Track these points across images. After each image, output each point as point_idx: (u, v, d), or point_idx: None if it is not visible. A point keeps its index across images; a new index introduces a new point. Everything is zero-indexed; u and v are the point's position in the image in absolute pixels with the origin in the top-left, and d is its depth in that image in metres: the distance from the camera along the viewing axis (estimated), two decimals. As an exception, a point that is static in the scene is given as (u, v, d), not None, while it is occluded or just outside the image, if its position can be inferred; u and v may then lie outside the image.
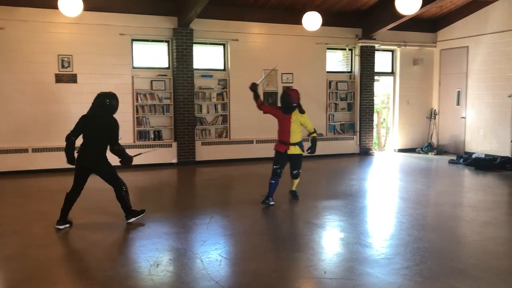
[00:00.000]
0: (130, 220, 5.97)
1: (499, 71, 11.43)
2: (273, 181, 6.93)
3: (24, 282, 4.19)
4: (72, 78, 9.95)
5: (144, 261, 4.64)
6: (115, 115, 5.93)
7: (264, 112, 7.23)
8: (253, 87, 7.12)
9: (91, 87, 10.05)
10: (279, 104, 7.92)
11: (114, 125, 5.82)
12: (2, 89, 9.48)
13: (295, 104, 6.90)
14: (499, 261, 4.70)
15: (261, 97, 7.89)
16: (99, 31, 10.08)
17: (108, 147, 5.83)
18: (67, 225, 5.78)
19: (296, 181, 7.25)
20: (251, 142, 11.48)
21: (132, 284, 4.12)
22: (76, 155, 5.81)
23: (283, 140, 6.94)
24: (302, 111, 6.92)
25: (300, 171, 7.13)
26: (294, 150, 6.92)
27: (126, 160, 5.99)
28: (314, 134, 7.00)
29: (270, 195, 6.93)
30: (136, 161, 10.51)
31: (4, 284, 4.20)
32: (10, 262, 4.71)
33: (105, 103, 5.81)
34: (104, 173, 5.88)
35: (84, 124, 5.79)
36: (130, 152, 6.16)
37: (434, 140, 13.27)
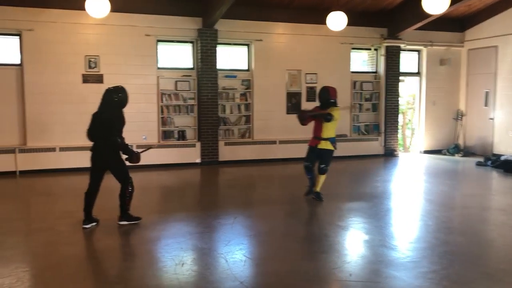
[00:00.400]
0: (122, 222, 5.90)
1: (530, 71, 11.15)
2: (310, 176, 7.31)
3: (50, 279, 4.26)
4: (99, 79, 10.11)
5: (169, 260, 4.68)
6: (118, 108, 5.85)
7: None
8: (303, 116, 7.25)
9: (117, 87, 10.21)
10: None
11: (110, 120, 5.71)
12: (32, 89, 9.69)
13: (333, 100, 7.10)
14: (530, 266, 4.58)
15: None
16: (125, 32, 10.22)
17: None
18: (93, 224, 5.85)
19: (322, 179, 7.20)
20: (274, 142, 11.46)
21: (158, 283, 4.16)
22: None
23: (316, 135, 7.19)
24: (336, 106, 7.14)
25: (327, 167, 7.16)
26: (324, 145, 7.11)
27: (132, 157, 5.89)
28: (327, 115, 6.88)
29: (312, 185, 7.31)
30: (160, 160, 10.66)
31: (31, 280, 4.29)
32: (37, 259, 4.81)
33: (113, 99, 5.77)
34: (113, 169, 5.85)
35: (92, 122, 5.82)
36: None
37: (461, 142, 13.02)
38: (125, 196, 5.88)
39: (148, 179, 9.49)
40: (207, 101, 10.76)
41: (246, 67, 11.47)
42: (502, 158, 10.77)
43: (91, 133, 5.79)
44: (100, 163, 5.82)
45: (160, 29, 10.46)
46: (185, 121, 10.96)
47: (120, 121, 5.82)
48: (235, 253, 4.86)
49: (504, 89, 11.87)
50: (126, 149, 5.86)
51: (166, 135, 10.77)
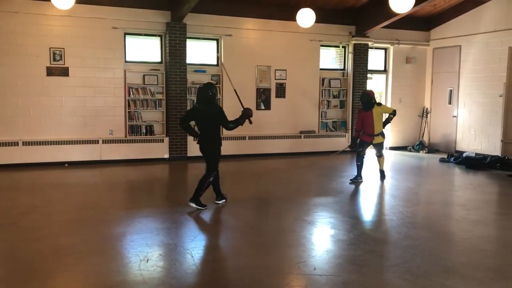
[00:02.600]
0: (191, 204, 6.44)
1: (491, 71, 11.49)
2: (359, 163, 8.56)
3: (7, 276, 4.15)
4: (64, 72, 9.87)
5: (134, 256, 4.63)
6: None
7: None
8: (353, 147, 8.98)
9: (83, 80, 10.02)
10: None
11: (219, 112, 6.50)
12: (-7, 81, 9.39)
13: (374, 101, 8.45)
14: (488, 259, 4.74)
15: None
16: (92, 24, 10.00)
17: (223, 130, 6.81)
18: (224, 200, 6.74)
19: (382, 160, 8.84)
20: (243, 138, 11.45)
21: (121, 279, 4.11)
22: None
23: (368, 132, 8.46)
24: (379, 104, 8.54)
25: (381, 152, 8.79)
26: (378, 139, 8.58)
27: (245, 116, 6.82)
28: (392, 116, 8.61)
29: (359, 174, 8.57)
30: (127, 155, 10.49)
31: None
32: (-2, 256, 4.68)
33: (208, 94, 6.38)
34: (207, 157, 6.50)
35: (193, 117, 6.51)
36: None
37: (425, 139, 13.34)
38: (204, 183, 6.43)
39: (114, 174, 9.35)
40: (176, 96, 10.66)
41: (215, 62, 11.41)
42: (464, 155, 11.09)
43: (185, 121, 6.54)
44: (202, 151, 6.51)
45: (128, 22, 10.28)
46: (153, 116, 10.83)
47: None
48: (201, 249, 4.84)
49: (466, 88, 12.21)
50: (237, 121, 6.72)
51: (133, 130, 10.62)
